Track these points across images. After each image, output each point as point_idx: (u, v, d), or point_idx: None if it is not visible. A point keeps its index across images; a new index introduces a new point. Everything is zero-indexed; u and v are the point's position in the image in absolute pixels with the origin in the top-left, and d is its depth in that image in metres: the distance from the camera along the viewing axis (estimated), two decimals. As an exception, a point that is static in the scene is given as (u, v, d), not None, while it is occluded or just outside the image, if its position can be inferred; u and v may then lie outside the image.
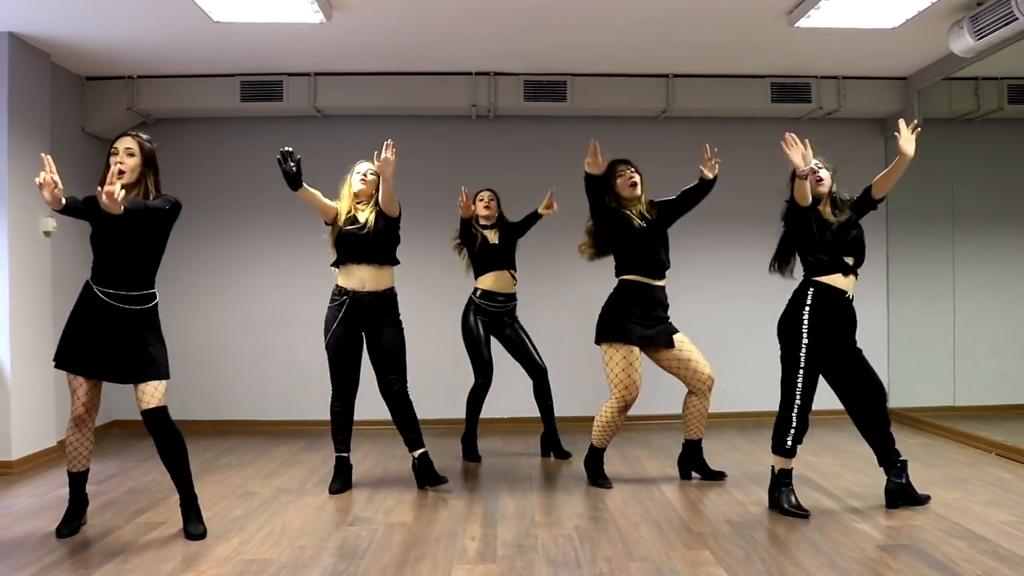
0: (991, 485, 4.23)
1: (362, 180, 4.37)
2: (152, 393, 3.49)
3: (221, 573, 3.06)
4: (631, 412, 6.16)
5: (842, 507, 3.86)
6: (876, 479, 4.23)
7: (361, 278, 4.25)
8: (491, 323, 5.09)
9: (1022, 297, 6.14)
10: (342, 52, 5.49)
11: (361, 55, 5.57)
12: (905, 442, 5.25)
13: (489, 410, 6.28)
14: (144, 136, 3.52)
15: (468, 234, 5.02)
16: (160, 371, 3.53)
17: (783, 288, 6.30)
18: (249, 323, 6.35)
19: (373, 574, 3.05)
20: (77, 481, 3.59)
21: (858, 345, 3.89)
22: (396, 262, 4.36)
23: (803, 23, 4.75)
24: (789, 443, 3.73)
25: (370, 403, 6.32)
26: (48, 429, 5.23)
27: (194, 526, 3.51)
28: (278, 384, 6.29)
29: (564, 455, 5.11)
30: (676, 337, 4.34)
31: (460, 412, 6.26)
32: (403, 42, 5.29)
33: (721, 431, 5.87)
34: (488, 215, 5.12)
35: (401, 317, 4.38)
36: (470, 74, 5.96)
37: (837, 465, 4.72)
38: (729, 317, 6.32)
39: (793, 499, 3.77)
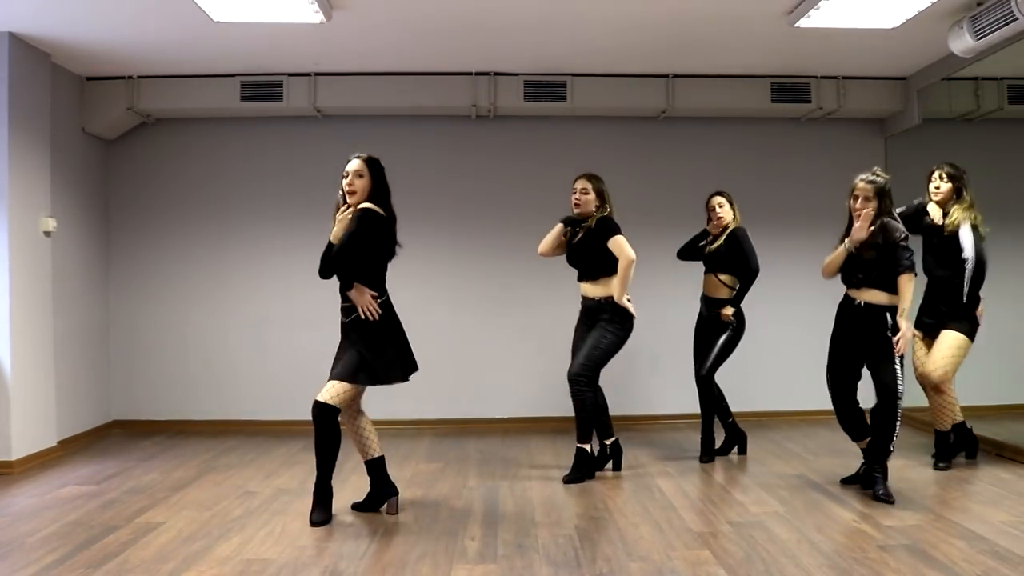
0: (991, 485, 4.23)
1: (575, 201, 4.61)
2: (326, 388, 3.68)
3: (221, 573, 3.06)
4: (632, 412, 6.22)
5: (842, 507, 3.86)
6: (876, 479, 4.25)
7: (583, 288, 4.62)
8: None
9: (1021, 297, 6.13)
10: (342, 52, 5.49)
11: (361, 55, 5.57)
12: (906, 442, 5.25)
13: (488, 410, 6.31)
14: (371, 157, 3.81)
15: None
16: (339, 373, 3.71)
17: (782, 288, 6.34)
18: (249, 323, 6.35)
19: (373, 574, 3.05)
20: (370, 468, 3.89)
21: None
22: (608, 273, 4.48)
23: (803, 23, 4.75)
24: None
25: (369, 402, 6.34)
26: (48, 429, 5.23)
27: (314, 513, 3.73)
28: (278, 384, 6.28)
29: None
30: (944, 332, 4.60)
31: (462, 412, 6.30)
32: (403, 42, 5.29)
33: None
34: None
35: (610, 323, 4.48)
36: (470, 74, 5.96)
37: (837, 465, 4.72)
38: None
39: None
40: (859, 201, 4.00)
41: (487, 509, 3.95)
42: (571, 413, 5.77)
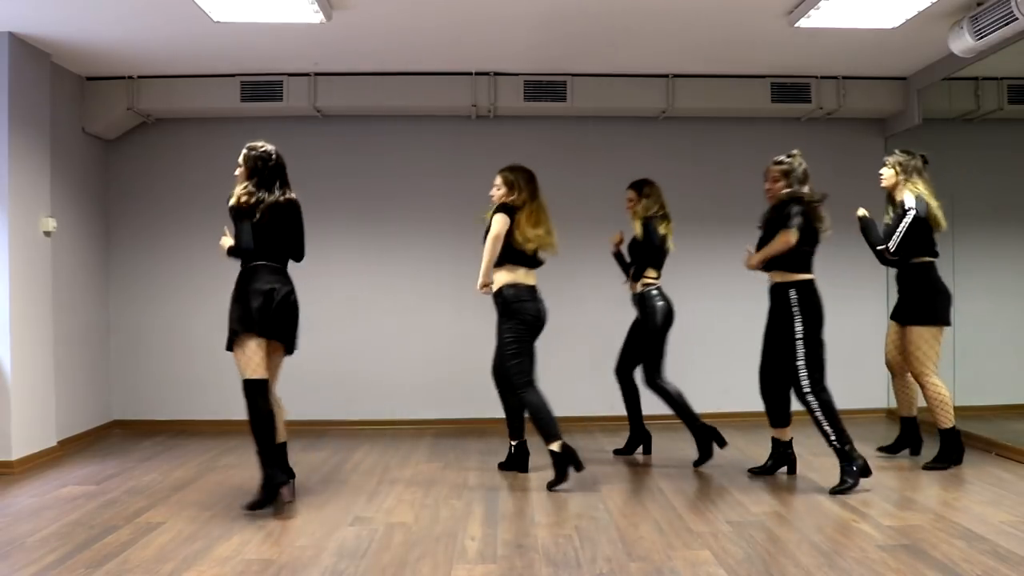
0: (991, 485, 4.24)
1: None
2: None
3: (221, 573, 3.06)
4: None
5: (842, 507, 3.86)
6: (877, 479, 4.24)
7: None
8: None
9: (1021, 297, 6.13)
10: (342, 52, 5.49)
11: (361, 55, 5.57)
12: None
13: (488, 410, 6.29)
14: (252, 147, 4.05)
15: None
16: (228, 342, 3.97)
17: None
18: (249, 323, 6.34)
19: (373, 574, 3.05)
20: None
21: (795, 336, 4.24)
22: (499, 264, 4.46)
23: (803, 23, 4.75)
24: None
25: (370, 402, 6.34)
26: (48, 429, 5.23)
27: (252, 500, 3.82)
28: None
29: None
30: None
31: (462, 412, 6.29)
32: (403, 42, 5.29)
33: (721, 431, 5.86)
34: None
35: (500, 315, 4.53)
36: (470, 74, 5.95)
37: (838, 465, 4.71)
38: (729, 317, 6.31)
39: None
40: (767, 182, 4.27)
41: (487, 509, 3.95)
42: (569, 413, 5.81)
